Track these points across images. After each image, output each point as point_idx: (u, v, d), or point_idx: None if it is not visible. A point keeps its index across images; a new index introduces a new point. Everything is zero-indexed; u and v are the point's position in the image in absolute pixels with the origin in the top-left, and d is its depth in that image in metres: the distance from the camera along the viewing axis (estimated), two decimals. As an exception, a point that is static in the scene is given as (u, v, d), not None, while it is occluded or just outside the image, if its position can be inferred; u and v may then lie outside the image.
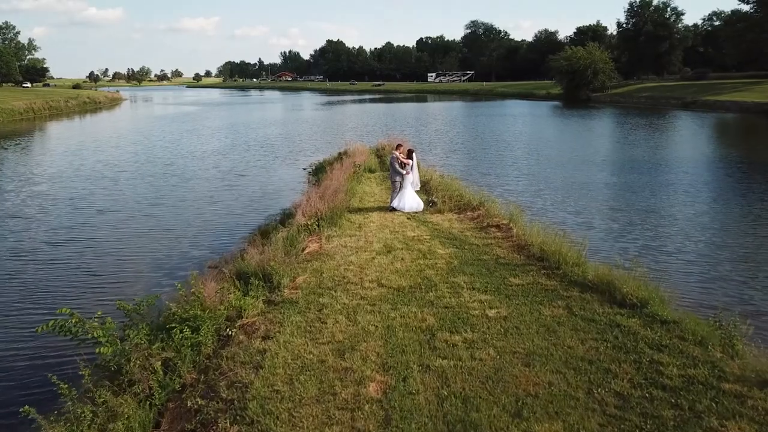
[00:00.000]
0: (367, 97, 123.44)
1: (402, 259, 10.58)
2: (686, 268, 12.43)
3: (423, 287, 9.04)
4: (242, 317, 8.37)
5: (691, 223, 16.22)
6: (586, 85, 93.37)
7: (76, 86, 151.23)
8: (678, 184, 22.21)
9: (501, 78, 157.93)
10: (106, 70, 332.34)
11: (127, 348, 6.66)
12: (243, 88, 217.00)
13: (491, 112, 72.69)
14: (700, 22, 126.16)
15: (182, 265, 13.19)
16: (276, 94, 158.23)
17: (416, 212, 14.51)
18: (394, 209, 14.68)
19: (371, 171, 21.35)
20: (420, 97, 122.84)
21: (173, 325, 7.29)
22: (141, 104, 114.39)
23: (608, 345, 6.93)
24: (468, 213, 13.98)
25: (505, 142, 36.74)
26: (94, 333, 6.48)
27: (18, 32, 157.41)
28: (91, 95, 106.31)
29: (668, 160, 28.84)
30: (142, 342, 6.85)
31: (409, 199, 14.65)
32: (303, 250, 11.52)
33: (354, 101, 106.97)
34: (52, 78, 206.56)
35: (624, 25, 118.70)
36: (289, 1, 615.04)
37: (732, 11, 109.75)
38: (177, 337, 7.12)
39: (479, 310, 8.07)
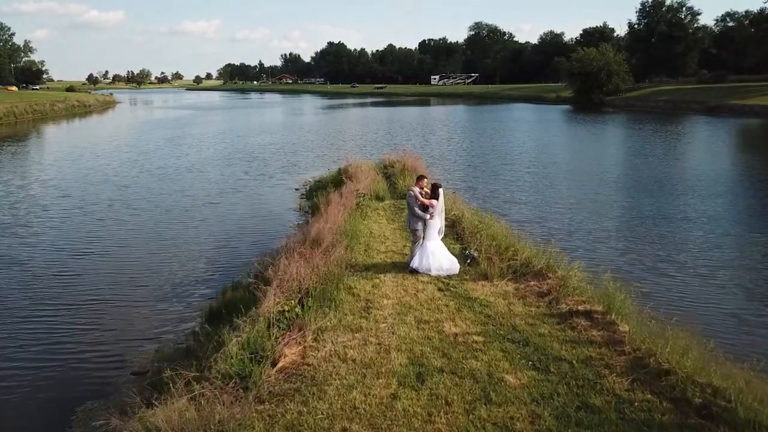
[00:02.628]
0: (368, 100, 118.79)
1: (446, 400, 5.91)
2: None
3: None
4: None
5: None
6: (599, 88, 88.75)
7: (70, 89, 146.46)
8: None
9: (505, 80, 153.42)
10: (106, 72, 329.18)
11: None
12: (243, 91, 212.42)
13: (502, 117, 68.08)
14: (712, 23, 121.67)
15: (90, 373, 8.51)
16: (276, 97, 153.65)
17: (449, 275, 9.87)
18: (415, 270, 10.05)
19: (379, 198, 16.70)
20: (423, 100, 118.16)
21: None
22: (134, 108, 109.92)
23: None
24: (531, 282, 9.29)
25: (531, 156, 31.90)
26: None
27: (13, 34, 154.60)
28: (81, 98, 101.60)
29: (751, 180, 24.06)
30: None
31: (438, 257, 9.97)
32: (274, 364, 6.89)
33: (355, 105, 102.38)
34: (51, 80, 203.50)
35: (635, 26, 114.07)
36: (290, 3, 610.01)
37: (746, 11, 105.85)
38: None
39: None
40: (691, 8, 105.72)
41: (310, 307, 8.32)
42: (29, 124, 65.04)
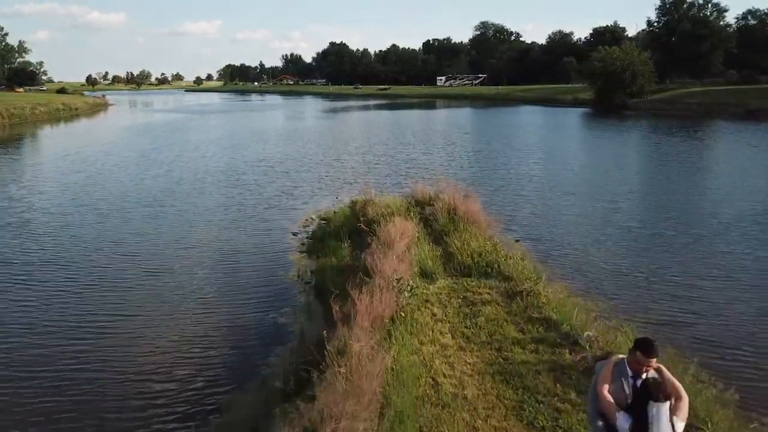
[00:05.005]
0: (372, 102, 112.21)
1: None
2: None
3: None
4: None
5: None
6: (623, 89, 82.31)
7: (61, 90, 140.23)
8: None
9: (511, 81, 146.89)
10: (106, 73, 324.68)
11: None
12: (243, 92, 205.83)
13: (523, 122, 61.66)
14: (732, 21, 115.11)
15: None
16: (277, 98, 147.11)
17: None
18: None
19: (426, 275, 10.28)
20: (429, 102, 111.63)
21: None
22: (126, 111, 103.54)
23: None
24: None
25: (598, 181, 25.04)
26: None
27: (6, 34, 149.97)
28: (67, 101, 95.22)
29: None
30: None
31: None
32: None
33: (359, 108, 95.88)
34: (51, 81, 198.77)
35: (654, 24, 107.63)
36: (291, 4, 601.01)
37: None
38: None
39: None
40: (717, 4, 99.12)
41: None
42: (2, 130, 58.90)
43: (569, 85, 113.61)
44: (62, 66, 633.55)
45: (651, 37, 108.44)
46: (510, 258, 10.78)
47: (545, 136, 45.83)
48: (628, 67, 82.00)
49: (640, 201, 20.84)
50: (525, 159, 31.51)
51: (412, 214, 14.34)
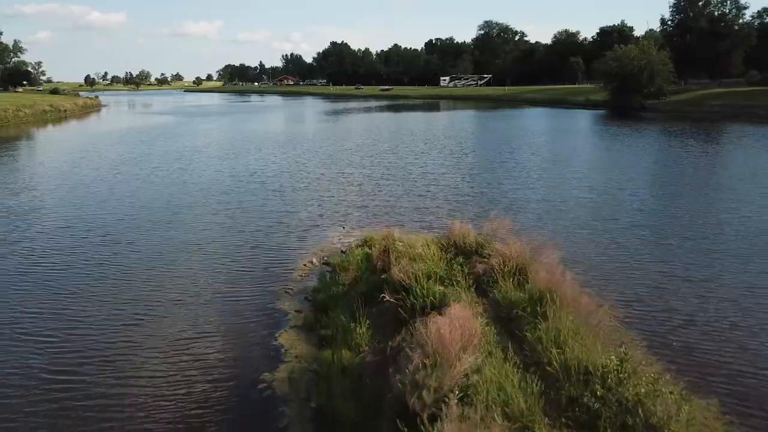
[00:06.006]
0: (374, 104, 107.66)
1: None
2: None
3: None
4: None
5: None
6: (640, 90, 77.72)
7: (54, 91, 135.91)
8: None
9: (516, 82, 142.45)
10: (105, 74, 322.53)
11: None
12: (243, 93, 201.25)
13: (539, 126, 57.20)
14: (747, 19, 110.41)
15: None
16: (277, 99, 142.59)
17: None
18: None
19: (511, 419, 5.74)
20: (433, 103, 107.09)
21: None
22: (118, 112, 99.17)
23: None
24: None
25: (664, 202, 20.75)
26: None
27: (0, 33, 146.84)
28: (56, 102, 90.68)
29: None
30: None
31: None
32: None
33: (362, 109, 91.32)
34: (50, 81, 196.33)
35: (668, 23, 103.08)
36: (292, 5, 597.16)
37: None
38: None
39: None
40: (736, 1, 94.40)
41: None
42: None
43: (580, 86, 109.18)
44: (63, 66, 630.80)
45: (664, 36, 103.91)
46: (653, 382, 6.22)
47: (571, 143, 41.30)
48: (645, 66, 77.39)
49: (743, 238, 16.18)
50: (562, 173, 26.93)
51: (459, 276, 9.73)
